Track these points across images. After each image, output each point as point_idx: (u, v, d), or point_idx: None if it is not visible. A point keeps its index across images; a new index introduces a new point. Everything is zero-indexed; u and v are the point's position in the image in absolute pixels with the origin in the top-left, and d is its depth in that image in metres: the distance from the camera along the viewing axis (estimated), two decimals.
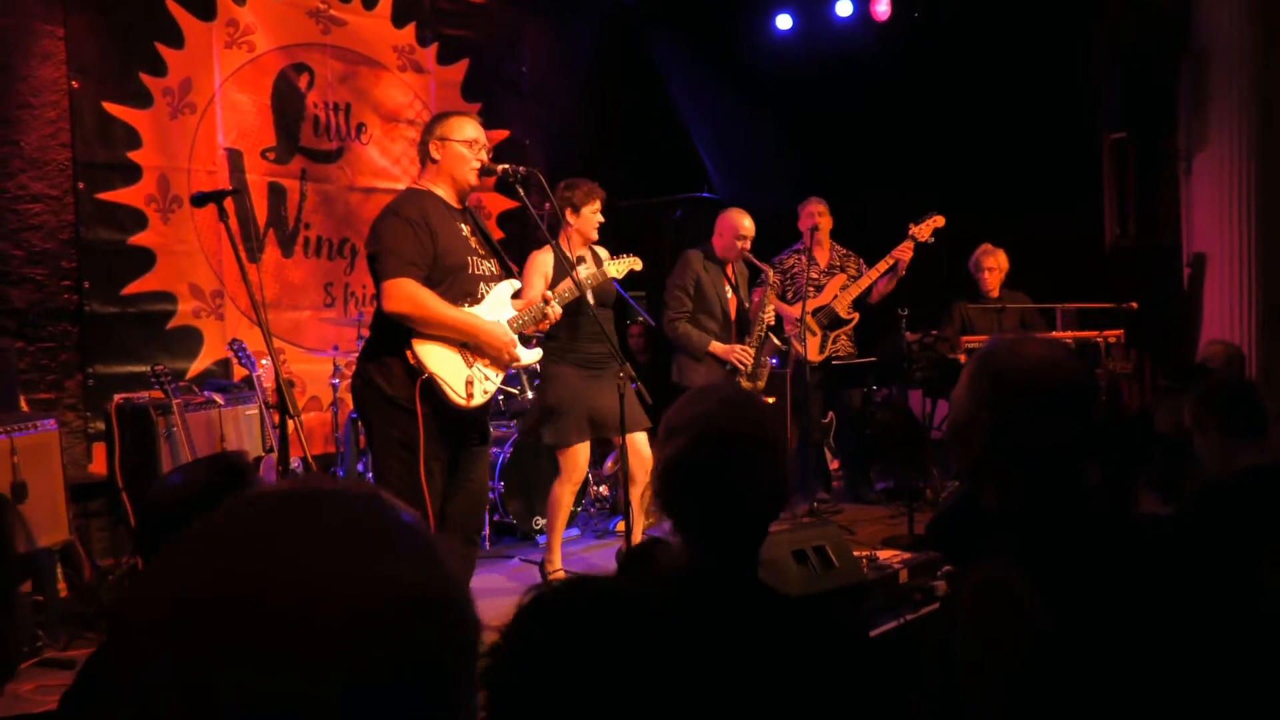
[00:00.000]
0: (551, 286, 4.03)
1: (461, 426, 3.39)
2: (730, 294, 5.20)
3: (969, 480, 1.80)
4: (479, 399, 3.34)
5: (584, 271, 4.12)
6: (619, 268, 4.18)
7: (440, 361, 3.25)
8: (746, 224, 5.10)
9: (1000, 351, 1.59)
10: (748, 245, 5.12)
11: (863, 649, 1.52)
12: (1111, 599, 1.44)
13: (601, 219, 4.44)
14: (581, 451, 4.40)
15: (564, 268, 4.06)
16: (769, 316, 5.18)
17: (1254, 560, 2.23)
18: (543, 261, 4.32)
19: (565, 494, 4.46)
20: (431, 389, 3.23)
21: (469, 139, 3.40)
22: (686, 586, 1.44)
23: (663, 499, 1.51)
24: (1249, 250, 5.77)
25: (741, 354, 5.02)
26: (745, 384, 5.05)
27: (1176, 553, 2.43)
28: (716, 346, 5.03)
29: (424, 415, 3.21)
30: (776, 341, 5.30)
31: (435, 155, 3.39)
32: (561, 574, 4.43)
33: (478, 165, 3.41)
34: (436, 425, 3.26)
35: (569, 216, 4.40)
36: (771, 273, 5.27)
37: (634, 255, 4.35)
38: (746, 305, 5.25)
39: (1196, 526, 2.48)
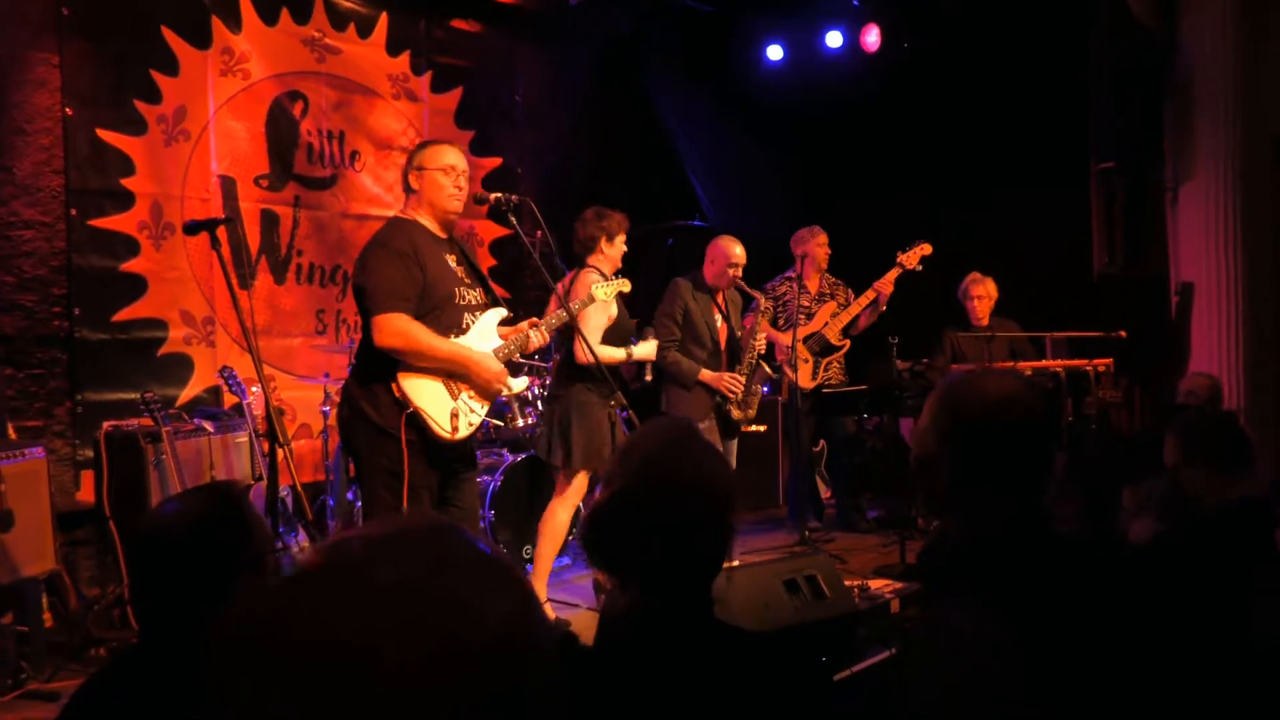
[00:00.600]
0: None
1: (448, 455, 3.38)
2: (720, 322, 5.19)
3: (934, 513, 1.82)
4: (463, 431, 3.33)
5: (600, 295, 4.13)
6: (608, 290, 4.19)
7: (425, 395, 3.25)
8: (738, 251, 5.11)
9: (958, 385, 1.63)
10: (739, 273, 5.13)
11: (820, 689, 1.52)
12: (1072, 632, 1.44)
13: (625, 249, 4.54)
14: (588, 478, 4.37)
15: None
16: (760, 344, 5.17)
17: (1248, 588, 2.24)
18: (593, 280, 4.30)
19: (563, 512, 4.37)
20: (416, 422, 3.22)
21: (446, 165, 3.38)
22: (640, 629, 1.43)
23: (587, 537, 1.50)
24: (1235, 280, 5.82)
25: (731, 382, 5.00)
26: (736, 412, 5.04)
27: (1168, 582, 2.43)
28: (706, 374, 5.01)
29: (409, 443, 3.21)
30: (768, 369, 5.29)
31: (414, 185, 3.39)
32: (547, 606, 4.37)
33: (456, 193, 3.40)
34: (424, 452, 3.26)
35: (603, 244, 4.43)
36: (764, 299, 5.28)
37: (625, 280, 4.36)
38: (738, 333, 5.24)
39: (1191, 556, 2.49)
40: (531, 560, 5.32)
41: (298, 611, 0.61)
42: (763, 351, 5.20)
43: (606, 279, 4.30)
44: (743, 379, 5.04)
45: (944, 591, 1.58)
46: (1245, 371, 5.77)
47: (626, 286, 4.27)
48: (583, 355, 4.11)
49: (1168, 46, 5.92)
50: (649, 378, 5.00)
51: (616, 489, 1.47)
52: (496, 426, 5.42)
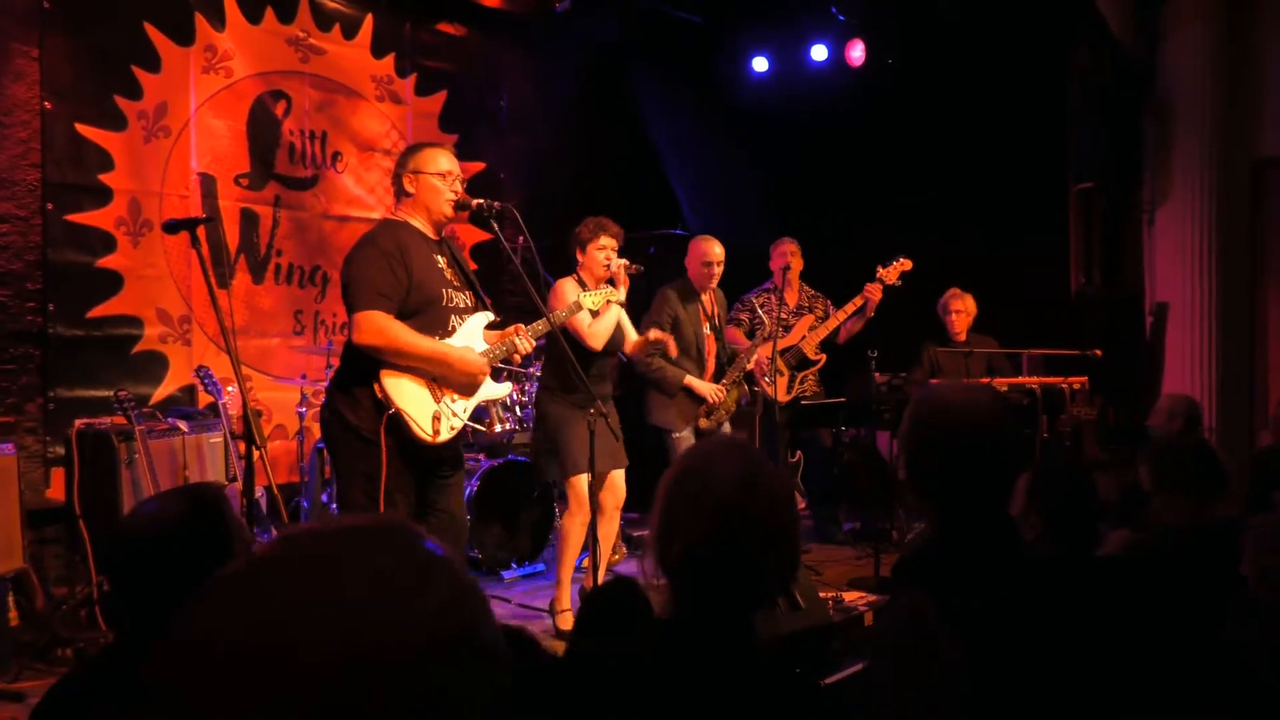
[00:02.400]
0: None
1: (429, 459, 3.36)
2: (708, 332, 5.21)
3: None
4: (445, 435, 3.31)
5: (589, 304, 4.14)
6: (595, 299, 4.18)
7: (408, 396, 3.23)
8: (716, 250, 5.11)
9: (923, 398, 1.68)
10: (715, 271, 5.13)
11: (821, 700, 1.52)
12: (1024, 635, 1.47)
13: (612, 257, 4.42)
14: (585, 484, 4.35)
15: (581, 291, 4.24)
16: (751, 364, 5.24)
17: (1221, 610, 2.26)
18: (570, 289, 4.33)
19: (574, 527, 4.38)
20: (397, 424, 3.20)
21: (442, 171, 3.39)
22: (680, 640, 1.41)
23: (671, 583, 1.41)
24: (1209, 301, 5.89)
25: (717, 392, 5.04)
26: (704, 421, 5.08)
27: (1144, 596, 2.45)
28: (692, 381, 5.03)
29: (388, 448, 3.19)
30: (746, 389, 5.33)
31: (409, 189, 3.38)
32: (569, 615, 4.37)
33: (452, 197, 3.41)
34: (402, 458, 3.24)
35: (579, 254, 4.48)
36: (769, 325, 5.33)
37: (612, 289, 4.36)
38: (726, 345, 5.29)
39: (1167, 573, 2.51)
40: (506, 566, 5.32)
41: (221, 613, 0.62)
42: (751, 369, 5.26)
43: (586, 287, 4.31)
44: (724, 393, 5.08)
45: (913, 590, 1.61)
46: (1217, 393, 5.84)
47: (615, 296, 4.27)
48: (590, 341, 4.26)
49: (1148, 68, 5.99)
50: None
51: (690, 545, 1.38)
52: (475, 431, 5.40)
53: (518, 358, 3.60)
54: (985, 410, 1.59)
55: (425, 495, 3.40)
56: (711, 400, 5.03)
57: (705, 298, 5.21)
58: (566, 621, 4.32)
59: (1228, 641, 2.14)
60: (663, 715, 0.86)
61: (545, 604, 4.62)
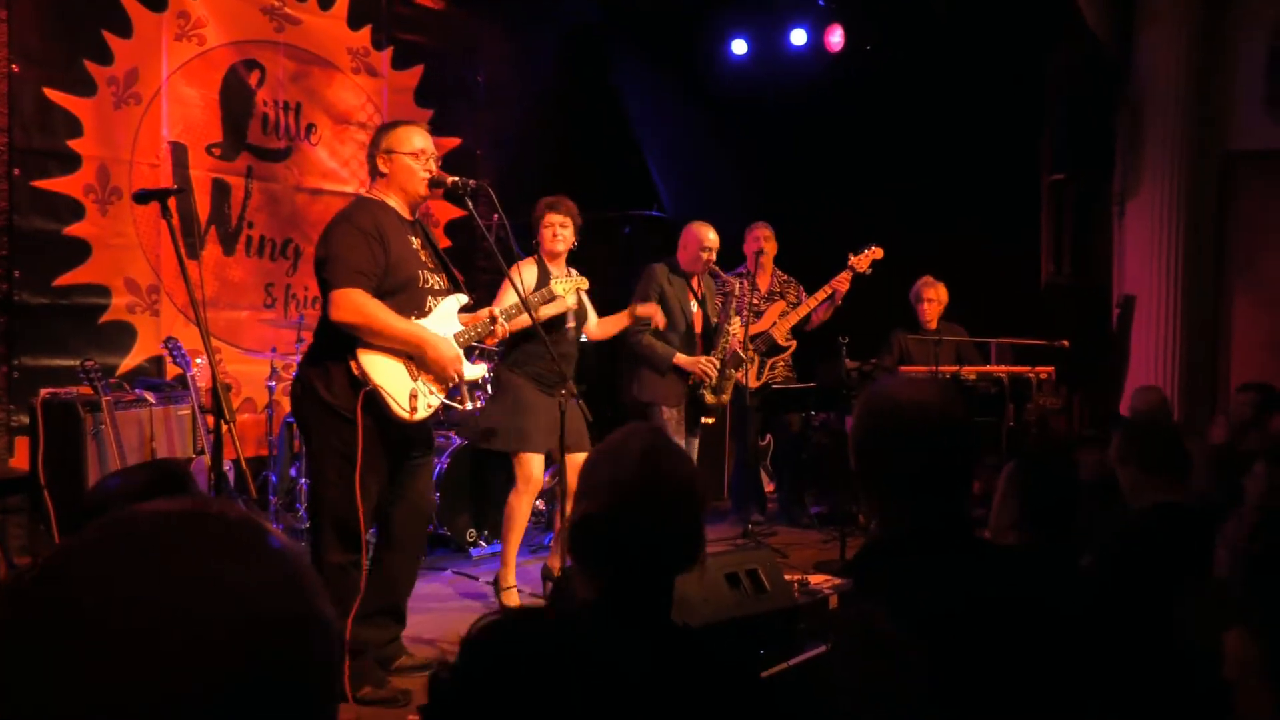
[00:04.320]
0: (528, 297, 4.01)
1: (403, 438, 3.36)
2: (695, 308, 5.22)
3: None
4: (422, 413, 3.31)
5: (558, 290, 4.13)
6: (565, 286, 4.18)
7: (385, 373, 3.22)
8: (711, 236, 5.13)
9: (872, 391, 1.69)
10: (712, 257, 5.13)
11: (756, 685, 1.55)
12: (978, 635, 1.49)
13: (563, 234, 4.40)
14: (536, 461, 4.33)
15: (544, 280, 4.23)
16: (735, 328, 5.21)
17: (1168, 595, 2.30)
18: (524, 271, 4.30)
19: (520, 504, 4.34)
20: (374, 401, 3.19)
21: (416, 150, 3.36)
22: (599, 620, 1.45)
23: (573, 551, 1.50)
24: (1175, 294, 5.98)
25: (707, 365, 5.03)
26: (709, 397, 5.08)
27: (1094, 586, 2.50)
28: (681, 359, 5.03)
29: (364, 427, 3.18)
30: (742, 353, 5.27)
31: (383, 169, 3.35)
32: (514, 591, 4.34)
33: (427, 176, 3.39)
34: (378, 437, 3.23)
35: (539, 237, 4.46)
36: (737, 285, 5.31)
37: (584, 278, 4.35)
38: (713, 321, 5.26)
39: (1110, 561, 2.56)
40: (474, 544, 5.33)
41: (51, 590, 0.63)
42: (737, 335, 5.22)
43: (545, 265, 4.33)
44: (717, 363, 5.07)
45: (864, 590, 1.64)
46: (1181, 384, 5.94)
47: (585, 284, 4.28)
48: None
49: (1122, 62, 6.05)
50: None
51: (590, 509, 1.48)
52: (447, 408, 5.39)
53: (492, 341, 3.60)
54: (933, 404, 1.60)
55: (396, 477, 3.40)
56: (700, 374, 5.03)
57: (694, 280, 5.22)
58: (511, 598, 4.31)
59: (1181, 628, 2.18)
60: (579, 700, 0.90)
61: (519, 584, 4.64)
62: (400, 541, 3.47)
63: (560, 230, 4.39)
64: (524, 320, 3.90)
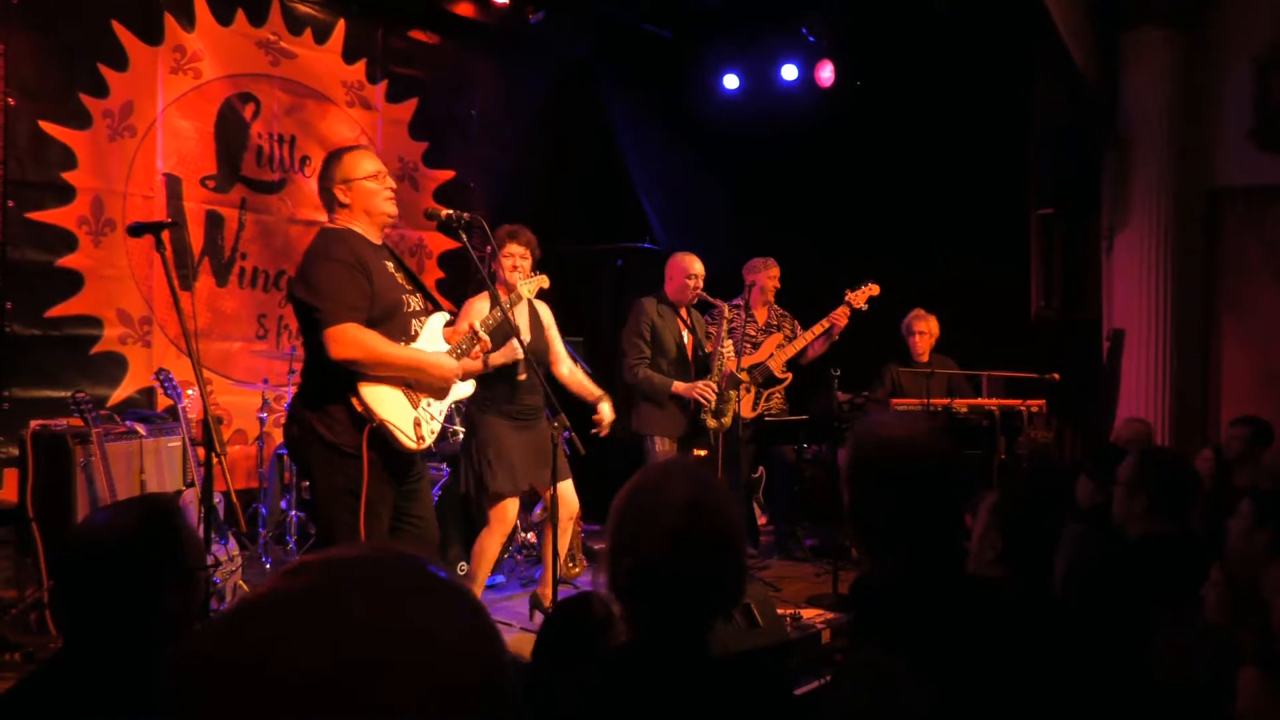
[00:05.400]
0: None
1: (405, 464, 3.34)
2: (686, 336, 5.24)
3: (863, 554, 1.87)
4: (428, 440, 3.31)
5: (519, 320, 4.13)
6: (530, 287, 4.17)
7: (389, 406, 3.19)
8: (696, 266, 5.17)
9: (861, 431, 1.70)
10: (699, 285, 5.18)
11: (794, 709, 1.55)
12: (981, 670, 1.49)
13: (521, 265, 4.33)
14: (510, 505, 4.34)
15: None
16: (729, 351, 5.24)
17: (1146, 625, 2.30)
18: (478, 309, 4.28)
19: (490, 545, 4.37)
20: (381, 435, 3.16)
21: (372, 172, 3.30)
22: (638, 662, 1.43)
23: (622, 597, 1.47)
24: (1164, 327, 6.01)
25: (704, 389, 5.05)
26: (711, 421, 5.09)
27: (1072, 617, 2.50)
28: (679, 386, 5.06)
29: (370, 462, 3.13)
30: (740, 376, 5.28)
31: (344, 199, 3.27)
32: None
33: (390, 194, 3.33)
34: (384, 470, 3.21)
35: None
36: (726, 308, 5.33)
37: (544, 275, 4.29)
38: (705, 349, 5.29)
39: (1097, 592, 2.55)
40: (465, 576, 5.29)
41: (271, 642, 0.61)
42: (731, 358, 5.22)
43: (496, 298, 4.23)
44: (715, 386, 5.09)
45: (867, 631, 1.63)
46: (1171, 417, 5.96)
47: (545, 282, 4.26)
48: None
49: (1109, 97, 6.12)
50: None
51: (643, 556, 1.43)
52: (438, 440, 5.37)
53: (477, 354, 3.58)
54: (924, 443, 1.60)
55: (399, 503, 3.38)
56: (698, 398, 5.03)
57: (681, 309, 5.25)
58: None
59: (1162, 664, 2.18)
60: None
61: (505, 616, 4.61)
62: None
63: (520, 261, 4.35)
64: (500, 355, 3.94)
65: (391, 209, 3.35)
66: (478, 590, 4.35)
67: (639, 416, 5.13)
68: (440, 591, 0.65)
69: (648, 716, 0.89)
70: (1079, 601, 2.37)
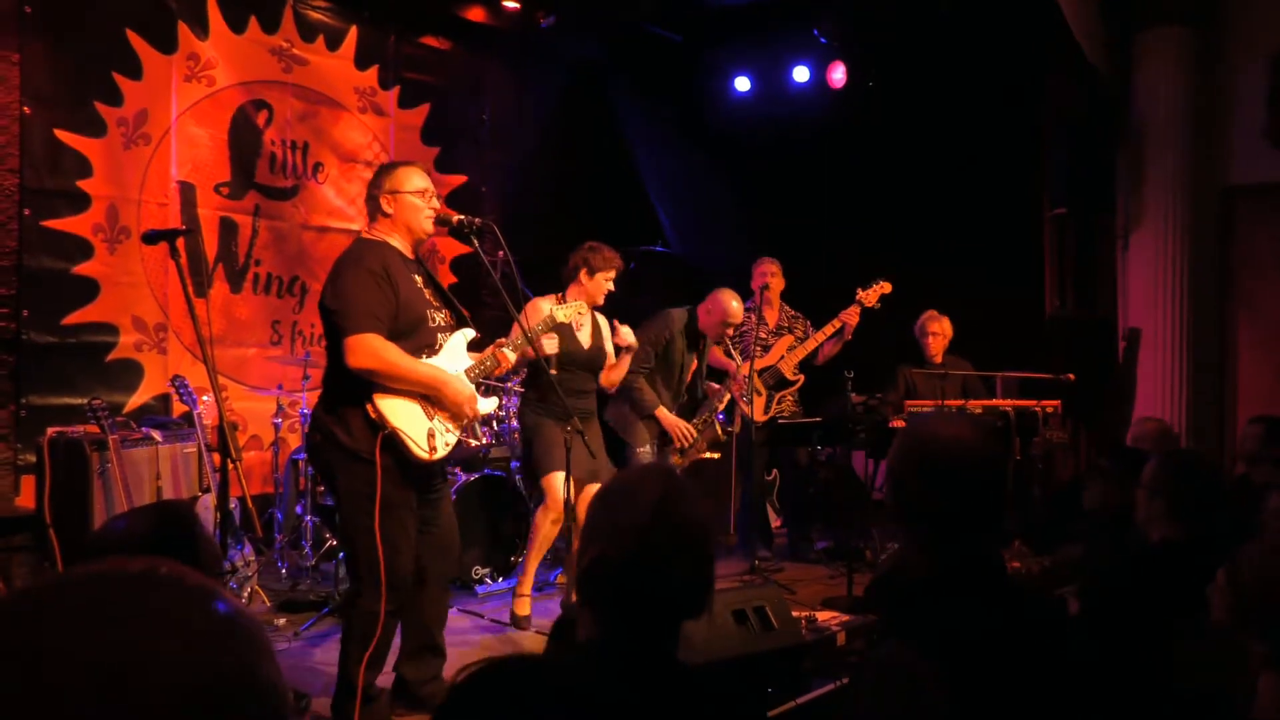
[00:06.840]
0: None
1: (424, 474, 3.36)
2: (694, 362, 5.33)
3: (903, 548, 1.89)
4: (441, 451, 3.31)
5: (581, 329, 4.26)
6: (567, 313, 4.21)
7: (402, 415, 3.21)
8: (735, 307, 5.21)
9: (914, 427, 1.72)
10: (733, 333, 5.30)
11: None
12: (1007, 672, 1.49)
13: (612, 288, 4.64)
14: (557, 478, 4.39)
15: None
16: (723, 405, 5.39)
17: (1168, 633, 2.29)
18: (540, 308, 4.35)
19: (545, 523, 4.51)
20: (393, 443, 3.18)
21: (420, 189, 3.36)
22: (604, 662, 1.44)
23: (581, 593, 1.48)
24: (1180, 326, 5.97)
25: (685, 433, 5.16)
26: (675, 458, 5.16)
27: (1096, 623, 2.48)
28: (663, 414, 5.12)
29: (384, 467, 3.16)
30: (719, 431, 5.42)
31: (388, 209, 3.34)
32: (526, 599, 4.58)
33: (432, 214, 3.40)
34: (400, 475, 3.22)
35: (582, 276, 4.58)
36: (739, 377, 5.40)
37: (583, 302, 4.38)
38: (701, 390, 5.40)
39: (1112, 599, 2.54)
40: (480, 581, 5.30)
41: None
42: (720, 411, 5.39)
43: (516, 311, 4.32)
44: (695, 435, 5.20)
45: (893, 626, 1.63)
46: (1188, 417, 5.92)
47: (585, 309, 4.31)
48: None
49: (1122, 96, 6.09)
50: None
51: (602, 552, 1.45)
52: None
53: (500, 371, 3.61)
54: (973, 441, 1.62)
55: (420, 512, 3.39)
56: (677, 439, 5.13)
57: (701, 342, 5.35)
58: (523, 606, 4.56)
59: (1181, 670, 2.17)
60: None
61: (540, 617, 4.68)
62: (429, 577, 3.46)
63: (610, 285, 4.64)
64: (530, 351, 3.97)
65: (430, 227, 3.41)
66: (531, 561, 4.60)
67: (616, 418, 5.19)
68: (152, 618, 0.65)
69: (595, 714, 0.92)
70: (1101, 607, 2.37)
